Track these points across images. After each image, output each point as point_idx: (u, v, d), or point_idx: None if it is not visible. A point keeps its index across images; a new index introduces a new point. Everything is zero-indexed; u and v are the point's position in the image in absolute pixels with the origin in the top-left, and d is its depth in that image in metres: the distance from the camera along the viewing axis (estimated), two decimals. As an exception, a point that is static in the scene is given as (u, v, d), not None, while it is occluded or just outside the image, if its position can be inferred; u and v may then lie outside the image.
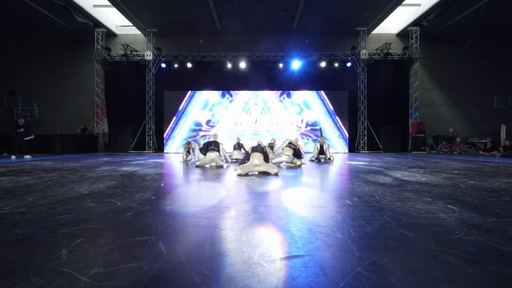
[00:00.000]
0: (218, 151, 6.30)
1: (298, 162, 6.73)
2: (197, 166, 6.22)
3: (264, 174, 4.75)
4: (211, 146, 6.22)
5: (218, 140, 6.64)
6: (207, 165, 6.37)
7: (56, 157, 9.78)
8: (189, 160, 8.12)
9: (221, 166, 6.21)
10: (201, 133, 14.06)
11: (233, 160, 7.96)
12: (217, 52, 14.10)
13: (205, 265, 1.23)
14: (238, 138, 8.97)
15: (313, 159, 8.23)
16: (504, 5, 11.70)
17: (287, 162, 6.76)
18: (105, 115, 14.53)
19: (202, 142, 6.83)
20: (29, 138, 9.40)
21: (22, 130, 9.21)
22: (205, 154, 6.28)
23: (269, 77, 14.25)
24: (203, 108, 14.40)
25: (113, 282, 1.09)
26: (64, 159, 8.67)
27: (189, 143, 8.06)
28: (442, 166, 6.05)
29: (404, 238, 1.56)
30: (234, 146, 8.62)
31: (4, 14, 12.61)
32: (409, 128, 14.22)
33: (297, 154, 6.81)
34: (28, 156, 9.18)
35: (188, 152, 8.06)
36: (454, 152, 12.71)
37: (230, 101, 14.41)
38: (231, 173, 5.01)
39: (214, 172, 5.21)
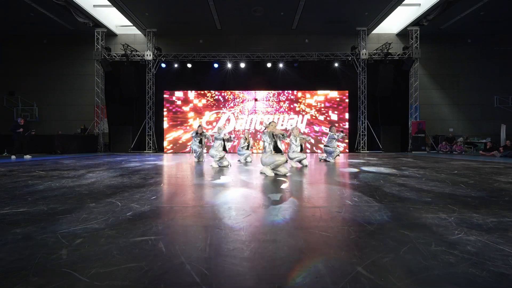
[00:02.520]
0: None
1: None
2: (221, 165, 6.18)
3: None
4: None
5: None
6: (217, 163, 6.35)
7: (56, 157, 9.78)
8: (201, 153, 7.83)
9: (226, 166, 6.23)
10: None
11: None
12: (217, 52, 14.11)
13: (205, 265, 1.23)
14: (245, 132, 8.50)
15: (334, 156, 7.77)
16: (504, 5, 11.70)
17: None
18: (105, 115, 14.53)
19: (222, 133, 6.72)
20: (28, 132, 9.45)
21: (21, 130, 9.22)
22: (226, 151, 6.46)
23: (269, 77, 14.25)
24: (202, 108, 14.39)
25: (113, 282, 1.09)
26: (64, 159, 8.67)
27: (200, 126, 7.81)
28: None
29: (404, 238, 1.56)
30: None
31: (4, 14, 12.61)
32: (409, 128, 14.21)
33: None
34: (28, 156, 9.18)
35: (201, 142, 7.85)
36: (454, 152, 12.71)
37: (230, 101, 14.40)
38: (230, 171, 5.01)
39: (214, 170, 5.21)
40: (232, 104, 14.37)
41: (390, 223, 1.86)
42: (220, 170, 5.54)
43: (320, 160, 7.96)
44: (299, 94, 14.37)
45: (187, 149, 13.96)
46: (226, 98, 14.36)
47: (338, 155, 7.94)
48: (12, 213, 2.10)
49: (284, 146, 6.69)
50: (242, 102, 14.37)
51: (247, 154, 7.94)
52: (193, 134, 7.81)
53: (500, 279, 1.12)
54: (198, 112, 14.36)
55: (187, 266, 1.21)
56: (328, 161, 7.77)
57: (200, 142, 7.91)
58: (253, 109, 14.32)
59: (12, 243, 1.50)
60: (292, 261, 1.28)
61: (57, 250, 1.38)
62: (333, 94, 14.39)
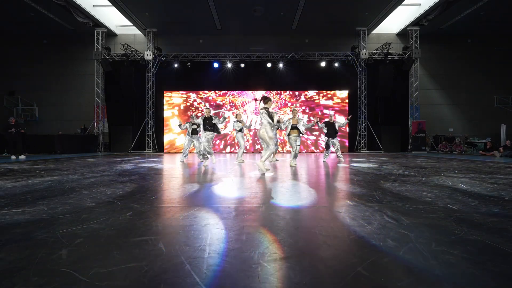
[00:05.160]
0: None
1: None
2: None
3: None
4: None
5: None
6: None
7: (56, 157, 9.78)
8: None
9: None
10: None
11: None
12: (217, 52, 14.11)
13: (205, 265, 1.23)
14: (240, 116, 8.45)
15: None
16: (504, 5, 11.69)
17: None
18: (105, 115, 14.53)
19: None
20: (17, 131, 9.19)
21: (13, 130, 9.16)
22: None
23: (269, 77, 14.25)
24: (202, 108, 14.39)
25: (113, 282, 1.09)
26: (64, 159, 8.67)
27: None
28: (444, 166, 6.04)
29: (404, 238, 1.56)
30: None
31: (4, 14, 12.60)
32: (409, 128, 14.21)
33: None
34: (22, 156, 9.09)
35: (195, 133, 7.22)
36: (454, 152, 12.70)
37: (230, 101, 14.39)
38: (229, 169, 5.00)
39: (214, 168, 5.20)
40: (232, 105, 14.36)
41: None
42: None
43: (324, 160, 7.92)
44: (299, 94, 14.36)
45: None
46: (226, 99, 14.34)
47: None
48: (12, 213, 2.10)
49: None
50: (243, 105, 14.35)
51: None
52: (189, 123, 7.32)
53: (500, 279, 1.12)
54: (197, 111, 14.34)
55: (187, 266, 1.21)
56: (340, 157, 7.68)
57: (194, 132, 7.40)
58: (255, 109, 14.31)
59: (12, 243, 1.50)
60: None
61: (57, 250, 1.38)
62: (333, 94, 14.38)
